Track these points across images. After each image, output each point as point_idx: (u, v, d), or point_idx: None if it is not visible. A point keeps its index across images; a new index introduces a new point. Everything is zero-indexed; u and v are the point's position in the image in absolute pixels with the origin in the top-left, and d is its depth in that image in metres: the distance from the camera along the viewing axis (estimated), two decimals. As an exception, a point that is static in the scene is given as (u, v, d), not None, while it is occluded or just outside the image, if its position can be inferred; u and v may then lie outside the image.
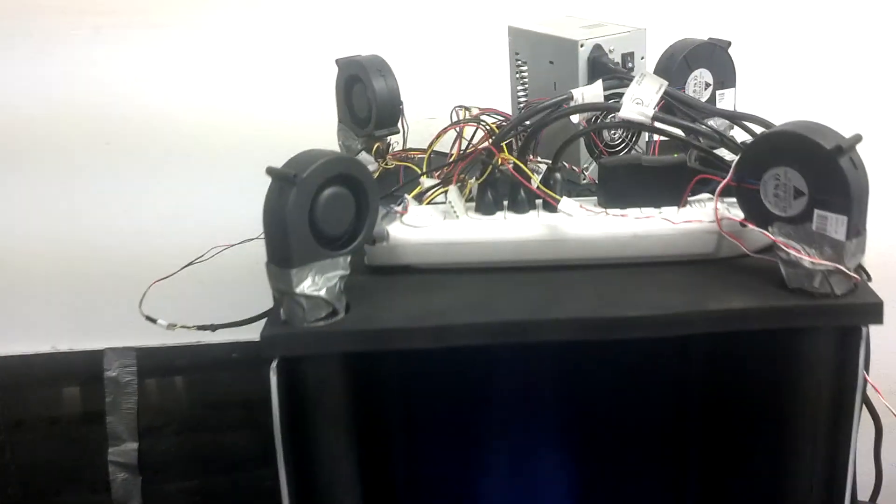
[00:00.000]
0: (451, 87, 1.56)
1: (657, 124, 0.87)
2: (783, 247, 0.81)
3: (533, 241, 0.90)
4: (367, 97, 1.19)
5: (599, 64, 1.08)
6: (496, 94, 1.40)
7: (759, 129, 1.03)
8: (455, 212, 0.92)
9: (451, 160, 1.07)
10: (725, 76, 1.20)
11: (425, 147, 1.30)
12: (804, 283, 0.81)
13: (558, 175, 0.92)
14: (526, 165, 0.92)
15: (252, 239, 1.09)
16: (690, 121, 0.90)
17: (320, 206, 0.82)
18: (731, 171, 0.85)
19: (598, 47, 1.08)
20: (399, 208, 0.95)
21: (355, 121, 1.24)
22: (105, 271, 1.65)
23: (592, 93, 0.91)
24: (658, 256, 0.89)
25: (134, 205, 1.62)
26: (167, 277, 1.15)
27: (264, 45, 1.55)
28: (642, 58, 1.12)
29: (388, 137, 1.23)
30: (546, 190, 0.89)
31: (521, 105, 1.22)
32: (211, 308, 1.60)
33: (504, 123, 1.27)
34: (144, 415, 1.67)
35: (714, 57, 1.19)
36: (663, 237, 0.88)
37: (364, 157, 1.22)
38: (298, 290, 0.82)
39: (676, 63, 1.16)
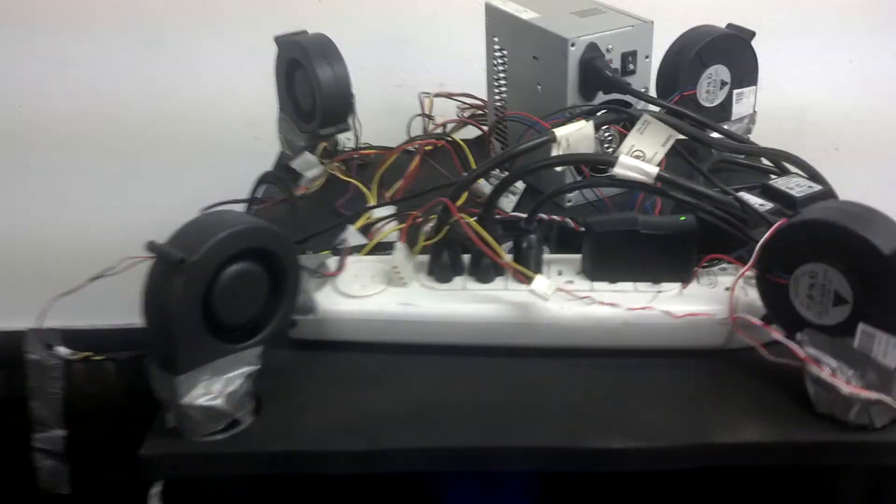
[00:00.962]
0: (422, 49, 1.33)
1: (664, 187, 0.67)
2: (814, 367, 0.63)
3: (497, 322, 0.71)
4: (310, 87, 0.98)
5: (593, 68, 0.87)
6: (474, 61, 1.18)
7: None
8: (402, 278, 0.73)
9: (401, 193, 0.88)
10: (745, 73, 1.00)
11: (382, 140, 1.10)
12: (836, 410, 0.63)
13: (533, 238, 0.72)
14: (491, 224, 0.72)
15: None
16: (703, 180, 0.69)
17: (219, 292, 0.64)
18: (754, 257, 0.66)
19: (592, 47, 0.87)
20: (333, 266, 0.76)
21: (298, 112, 1.02)
22: (28, 248, 1.47)
23: (580, 135, 0.70)
24: (654, 348, 0.71)
25: (59, 190, 1.44)
26: (71, 292, 0.98)
27: (181, 19, 1.31)
28: (647, 57, 0.91)
29: (338, 136, 1.02)
30: (517, 266, 0.69)
31: (498, 100, 1.01)
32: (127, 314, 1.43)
33: (480, 112, 1.08)
34: (72, 401, 1.51)
35: (733, 50, 0.98)
36: (661, 329, 0.69)
37: (307, 157, 1.01)
38: (186, 401, 0.64)
39: (688, 59, 0.96)
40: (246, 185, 1.37)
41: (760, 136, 1.04)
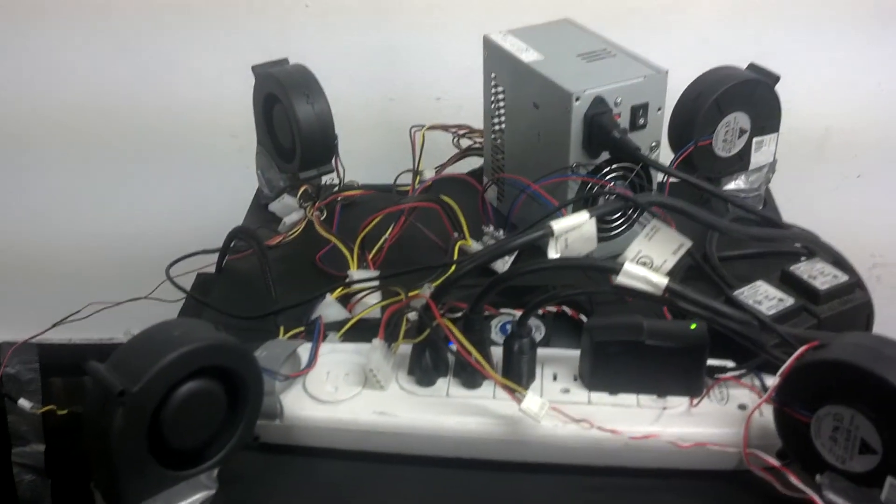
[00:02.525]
0: (418, 59, 1.24)
1: (674, 299, 0.59)
2: (836, 519, 0.56)
3: (483, 438, 0.64)
4: (289, 125, 0.89)
5: (598, 125, 0.79)
6: (474, 75, 1.09)
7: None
8: (378, 381, 0.66)
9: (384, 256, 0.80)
10: (767, 119, 0.91)
11: (372, 167, 1.02)
12: (860, 564, 0.56)
13: (526, 342, 0.65)
14: (479, 325, 0.64)
15: (139, 298, 0.86)
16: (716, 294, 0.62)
17: (167, 420, 0.56)
18: (773, 388, 0.58)
19: (598, 101, 0.79)
20: (304, 359, 0.69)
21: (277, 149, 0.94)
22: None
23: (579, 234, 0.62)
24: (658, 470, 0.64)
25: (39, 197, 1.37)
26: (36, 336, 0.93)
27: (162, 24, 1.22)
28: (659, 109, 0.82)
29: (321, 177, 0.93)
30: (506, 382, 0.62)
31: (495, 140, 0.93)
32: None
33: (478, 144, 0.99)
34: (51, 416, 1.45)
35: (755, 96, 0.89)
36: (667, 454, 0.62)
37: (287, 201, 0.93)
38: (134, 537, 0.57)
39: (705, 107, 0.87)
40: (228, 196, 1.29)
41: (780, 161, 0.96)
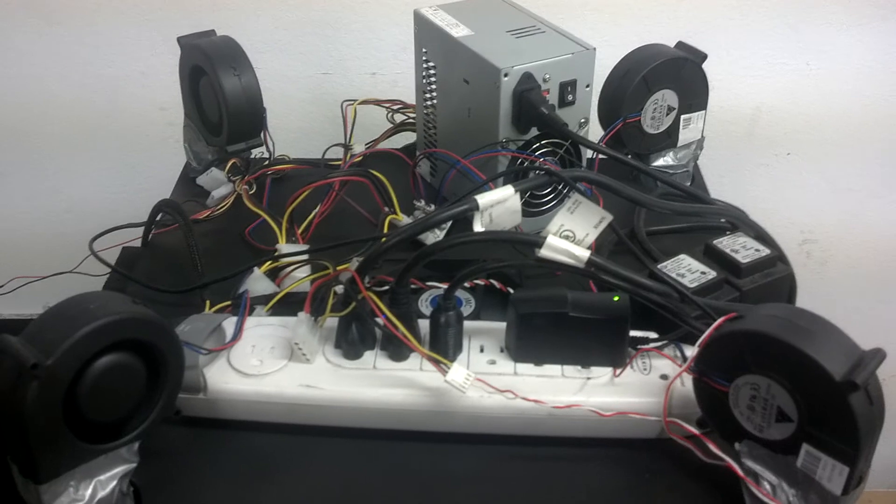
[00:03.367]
0: (353, 35, 1.22)
1: (597, 272, 0.60)
2: (752, 485, 0.57)
3: (409, 409, 0.64)
4: (216, 98, 0.88)
5: (527, 101, 0.79)
6: (409, 50, 1.08)
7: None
8: (304, 354, 0.65)
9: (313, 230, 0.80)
10: (695, 97, 0.92)
11: (306, 140, 1.02)
12: (775, 529, 0.58)
13: (452, 315, 0.65)
14: (405, 298, 0.64)
15: (64, 273, 0.84)
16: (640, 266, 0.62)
17: (83, 393, 0.55)
18: (692, 358, 0.59)
19: (527, 77, 0.79)
20: (229, 333, 0.68)
21: (205, 123, 0.93)
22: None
23: (504, 208, 0.63)
24: (582, 438, 0.65)
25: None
26: None
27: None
28: (587, 86, 0.82)
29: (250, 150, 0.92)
30: (432, 354, 0.62)
31: (427, 115, 0.92)
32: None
33: (411, 119, 0.99)
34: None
35: (683, 74, 0.90)
36: (589, 422, 0.63)
37: (215, 175, 0.92)
38: (51, 511, 0.56)
39: (633, 84, 0.88)
40: (157, 170, 1.27)
41: (712, 139, 0.98)
